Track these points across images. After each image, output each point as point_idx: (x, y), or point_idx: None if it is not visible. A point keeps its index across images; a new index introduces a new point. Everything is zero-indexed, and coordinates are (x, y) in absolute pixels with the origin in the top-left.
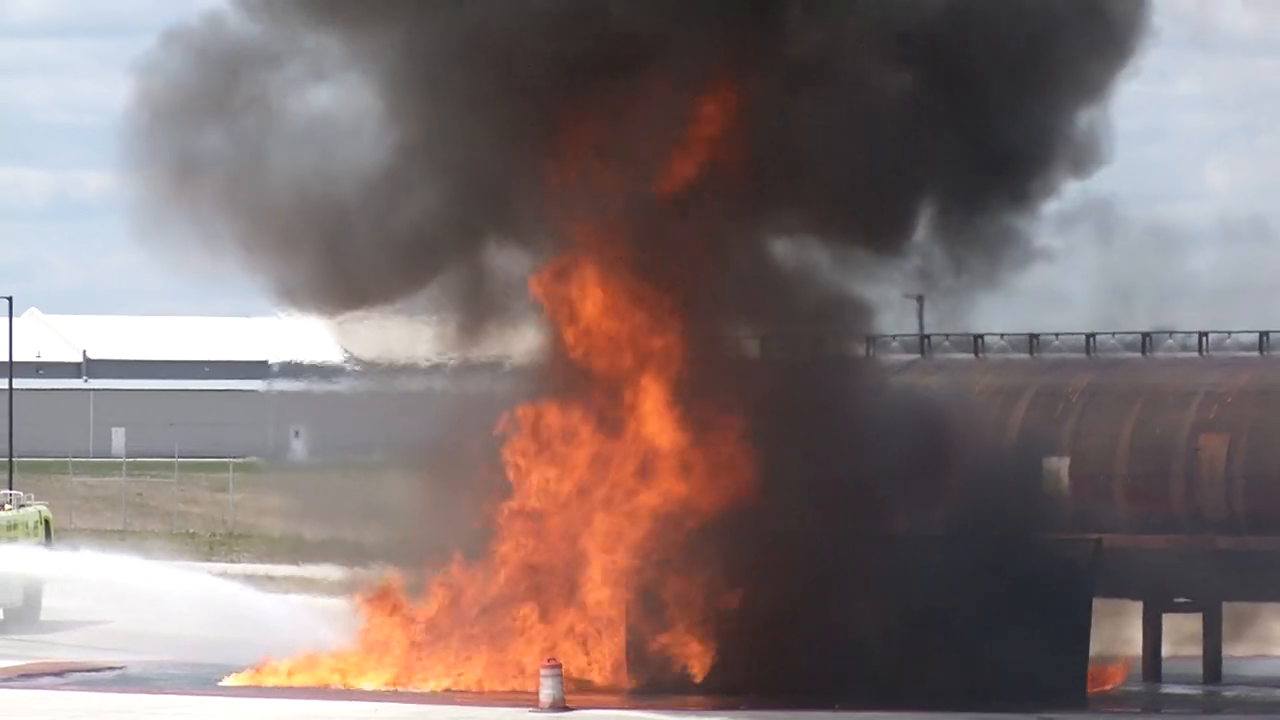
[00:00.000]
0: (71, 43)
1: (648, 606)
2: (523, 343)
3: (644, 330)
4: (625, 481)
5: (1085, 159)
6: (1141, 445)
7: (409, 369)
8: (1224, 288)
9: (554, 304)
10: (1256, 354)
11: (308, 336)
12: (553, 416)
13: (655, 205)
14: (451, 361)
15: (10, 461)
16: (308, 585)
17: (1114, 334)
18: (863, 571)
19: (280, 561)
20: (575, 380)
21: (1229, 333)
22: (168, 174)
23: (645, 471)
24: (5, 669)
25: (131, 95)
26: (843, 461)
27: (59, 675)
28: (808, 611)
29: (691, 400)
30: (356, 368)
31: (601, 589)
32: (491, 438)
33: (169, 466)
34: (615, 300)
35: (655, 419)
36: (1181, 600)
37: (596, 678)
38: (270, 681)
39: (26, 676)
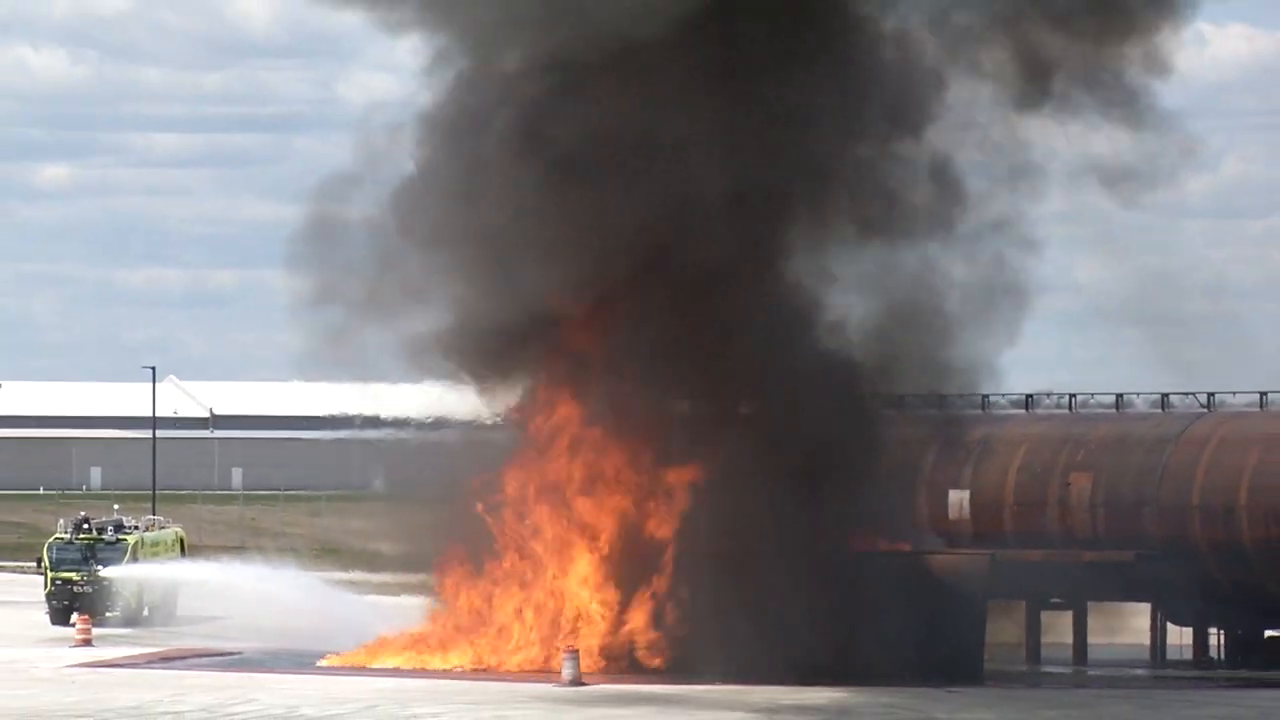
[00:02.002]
0: (200, 170)
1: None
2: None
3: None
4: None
5: None
6: (1025, 481)
7: (454, 424)
8: (1091, 358)
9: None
10: (1114, 410)
11: (380, 399)
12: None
13: None
14: (485, 422)
15: (153, 494)
16: (382, 588)
17: (1003, 395)
18: (810, 581)
19: (361, 570)
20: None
21: (1092, 394)
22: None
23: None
24: (149, 653)
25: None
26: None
27: (191, 658)
28: (756, 613)
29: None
30: (423, 422)
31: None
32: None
33: (275, 498)
34: None
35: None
36: (1056, 600)
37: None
38: (354, 662)
39: (165, 659)
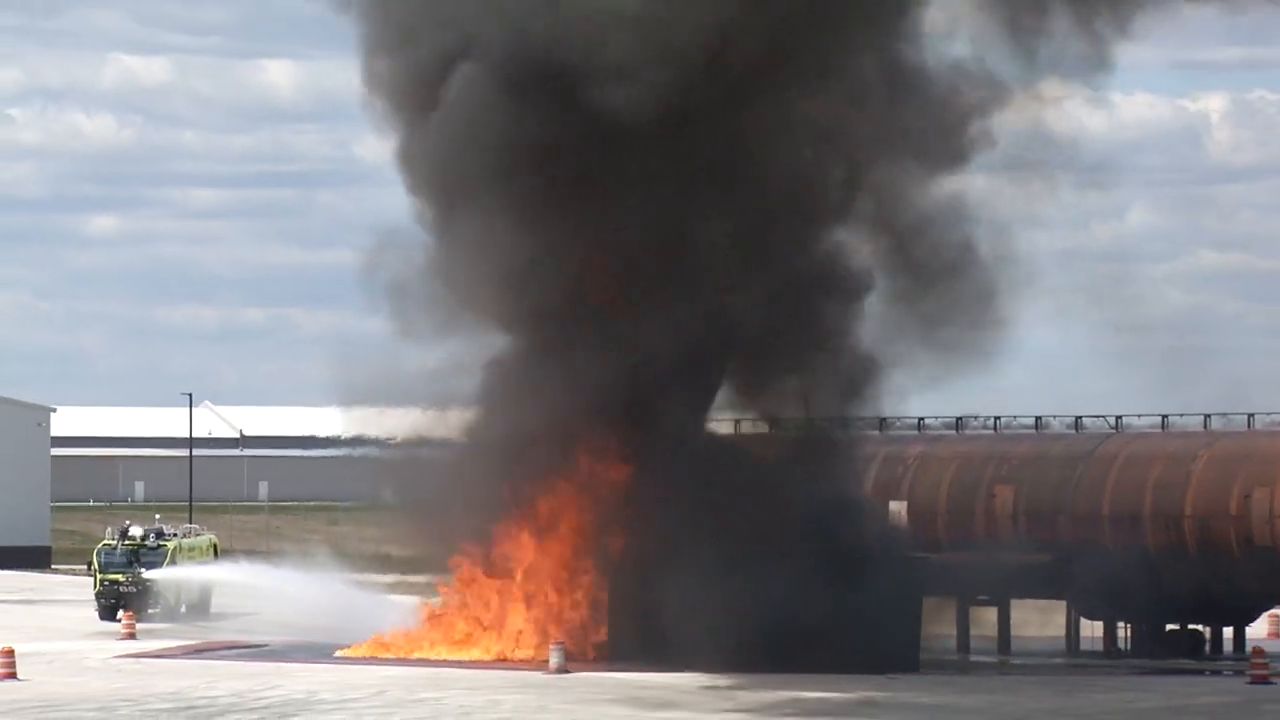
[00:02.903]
0: (232, 221)
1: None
2: None
3: None
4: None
5: None
6: (956, 493)
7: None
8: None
9: None
10: (1034, 431)
11: (385, 423)
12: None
13: None
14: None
15: (190, 505)
16: (392, 588)
17: (936, 417)
18: (764, 577)
19: (373, 572)
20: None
21: (1015, 417)
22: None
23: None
24: (186, 645)
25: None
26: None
27: (223, 650)
28: (715, 607)
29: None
30: (425, 442)
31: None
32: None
33: (297, 508)
34: None
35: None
36: (983, 598)
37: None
38: (366, 654)
39: (199, 651)
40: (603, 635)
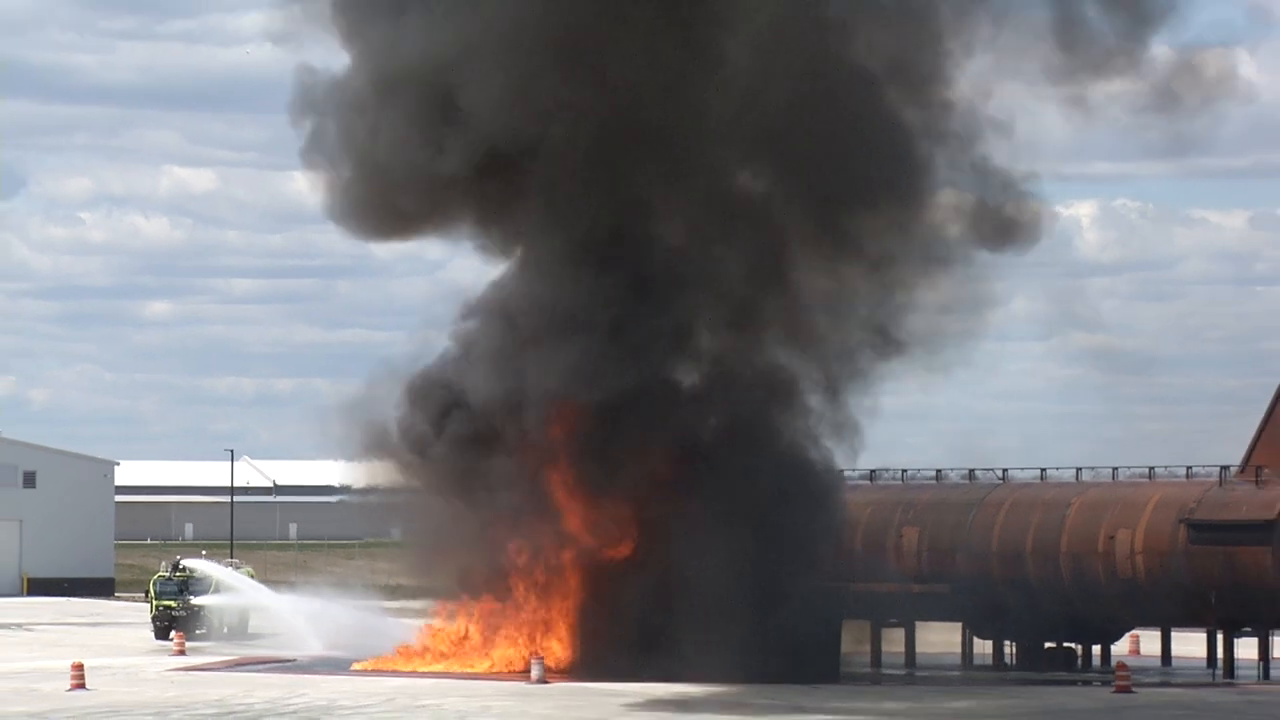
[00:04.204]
0: (266, 306)
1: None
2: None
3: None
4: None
5: None
6: (870, 532)
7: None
8: (918, 443)
9: None
10: (934, 481)
11: (392, 473)
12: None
13: None
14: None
15: (231, 543)
16: (400, 612)
17: (854, 469)
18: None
19: (385, 599)
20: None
21: (919, 470)
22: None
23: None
24: (227, 660)
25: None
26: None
27: (258, 664)
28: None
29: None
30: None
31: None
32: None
33: (321, 546)
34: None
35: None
36: (892, 620)
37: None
38: (380, 667)
39: (238, 665)
40: (578, 651)
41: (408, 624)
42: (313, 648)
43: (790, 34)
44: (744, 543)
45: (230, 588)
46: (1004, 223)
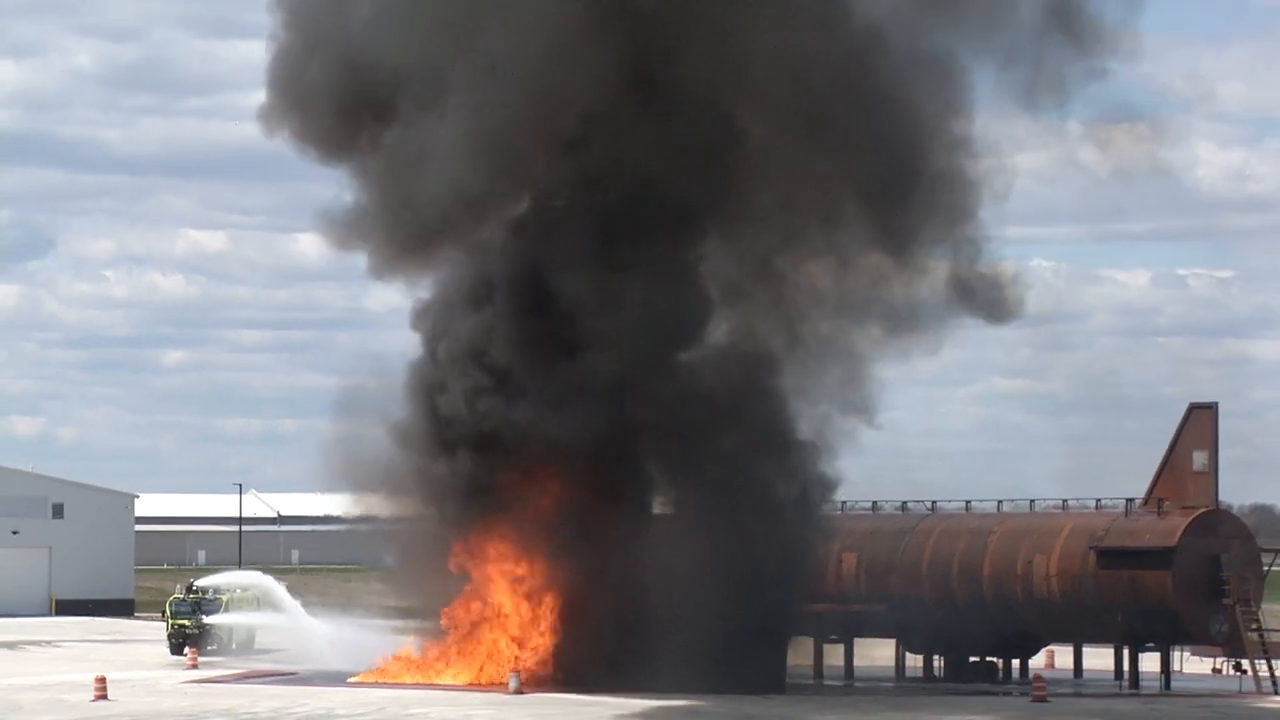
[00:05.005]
0: (272, 355)
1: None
2: None
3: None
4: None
5: None
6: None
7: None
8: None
9: None
10: (870, 511)
11: (384, 505)
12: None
13: None
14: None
15: (239, 567)
16: (392, 630)
17: None
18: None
19: (378, 619)
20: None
21: (857, 501)
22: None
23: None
24: (236, 673)
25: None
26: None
27: (263, 677)
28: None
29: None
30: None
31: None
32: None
33: (320, 570)
34: None
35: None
36: (833, 637)
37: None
38: (372, 680)
39: (245, 677)
40: (551, 665)
41: (400, 641)
42: (312, 662)
43: None
44: (704, 569)
45: (276, 606)
46: (993, 296)
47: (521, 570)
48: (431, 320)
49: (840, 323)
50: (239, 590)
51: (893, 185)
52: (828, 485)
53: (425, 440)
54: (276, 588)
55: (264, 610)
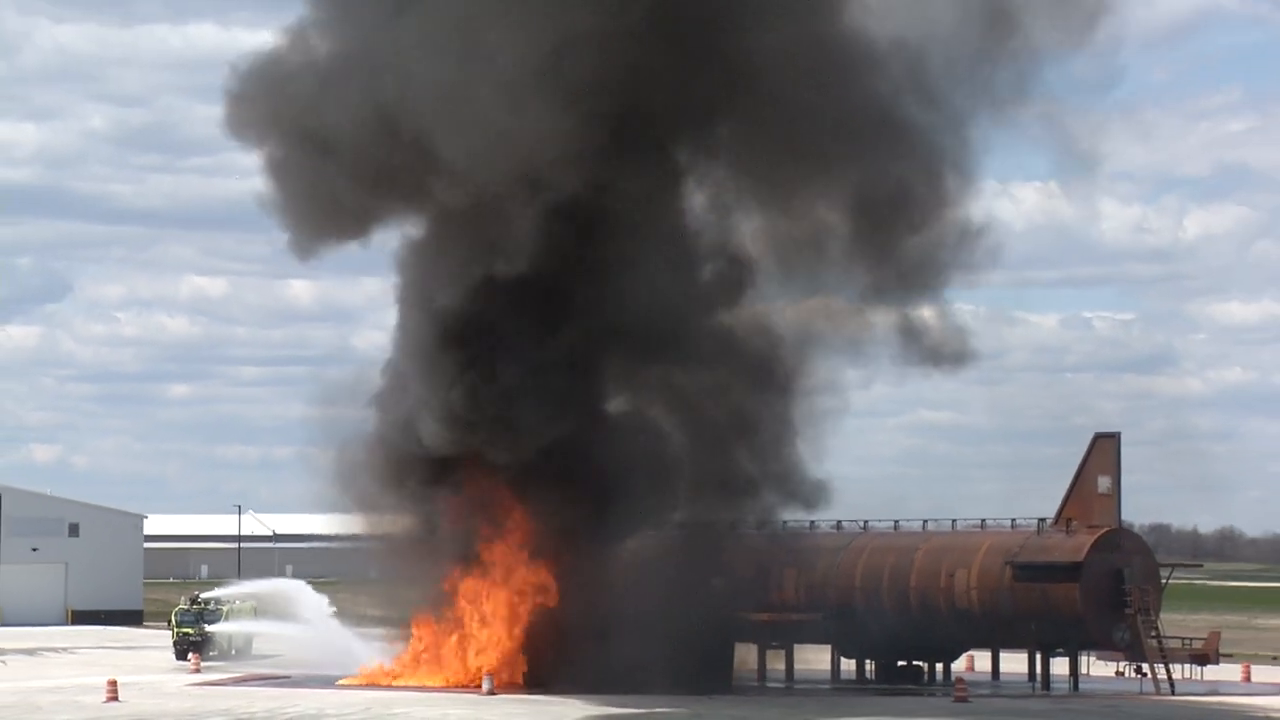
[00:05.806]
0: (269, 388)
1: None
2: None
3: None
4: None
5: None
6: (758, 571)
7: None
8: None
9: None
10: (809, 530)
11: (369, 523)
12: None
13: None
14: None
15: (239, 580)
16: (377, 638)
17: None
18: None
19: (364, 627)
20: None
21: (797, 520)
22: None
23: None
24: (235, 677)
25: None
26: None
27: (259, 680)
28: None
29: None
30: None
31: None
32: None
33: (312, 584)
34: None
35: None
36: (775, 643)
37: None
38: (359, 682)
39: (243, 680)
40: (524, 668)
41: (384, 647)
42: (304, 666)
43: None
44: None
45: (237, 617)
46: (943, 343)
47: (493, 581)
48: (393, 357)
49: (799, 358)
50: (238, 601)
51: (881, 236)
52: (770, 514)
53: (391, 466)
54: (303, 595)
55: (260, 619)
